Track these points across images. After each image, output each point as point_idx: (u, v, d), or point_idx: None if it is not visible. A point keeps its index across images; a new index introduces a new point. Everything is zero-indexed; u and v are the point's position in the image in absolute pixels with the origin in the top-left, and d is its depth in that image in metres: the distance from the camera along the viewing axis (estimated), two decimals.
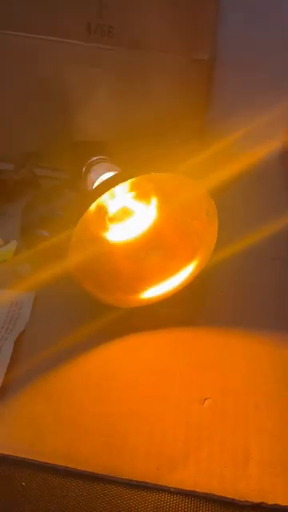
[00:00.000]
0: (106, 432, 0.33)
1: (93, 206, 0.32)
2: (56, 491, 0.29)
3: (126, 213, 0.40)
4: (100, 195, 0.30)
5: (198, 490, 0.29)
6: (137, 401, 0.35)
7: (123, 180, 0.31)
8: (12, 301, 0.43)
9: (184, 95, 0.58)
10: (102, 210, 0.37)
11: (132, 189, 0.37)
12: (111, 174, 0.43)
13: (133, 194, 0.38)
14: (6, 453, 0.31)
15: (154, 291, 0.38)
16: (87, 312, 0.42)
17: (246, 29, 0.59)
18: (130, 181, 0.33)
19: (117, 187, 0.31)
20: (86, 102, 0.60)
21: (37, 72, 0.58)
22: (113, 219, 0.40)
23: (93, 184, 0.43)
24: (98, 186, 0.32)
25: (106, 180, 0.31)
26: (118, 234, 0.39)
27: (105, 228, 0.39)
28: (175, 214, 0.37)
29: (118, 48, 0.56)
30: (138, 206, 0.39)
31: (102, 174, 0.43)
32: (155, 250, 0.38)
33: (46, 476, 0.30)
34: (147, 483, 0.30)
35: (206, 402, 0.35)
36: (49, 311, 0.43)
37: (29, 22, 0.55)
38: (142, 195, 0.39)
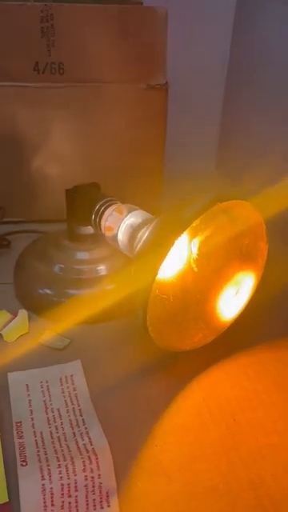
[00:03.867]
0: (245, 485, 0.30)
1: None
2: None
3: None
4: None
5: None
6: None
7: (204, 211, 0.29)
8: (59, 377, 0.37)
9: (145, 123, 0.57)
10: None
11: None
12: (139, 212, 0.40)
13: None
14: None
15: (230, 315, 0.36)
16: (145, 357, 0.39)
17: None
18: None
19: None
20: (41, 144, 0.56)
21: None
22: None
23: (116, 226, 0.40)
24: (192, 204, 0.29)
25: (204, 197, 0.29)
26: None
27: None
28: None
29: (70, 84, 0.53)
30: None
31: (127, 215, 0.40)
32: (214, 284, 0.36)
33: None
34: None
35: None
36: (104, 371, 0.38)
37: None
38: None
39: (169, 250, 0.29)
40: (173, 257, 0.31)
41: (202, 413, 0.35)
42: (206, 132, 0.72)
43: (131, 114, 0.56)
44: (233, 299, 0.36)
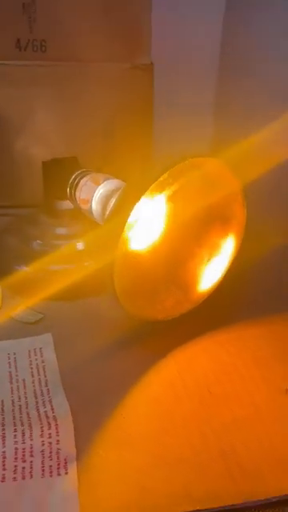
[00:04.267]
0: (215, 454, 0.28)
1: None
2: None
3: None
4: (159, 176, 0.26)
5: None
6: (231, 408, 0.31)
7: (172, 166, 0.27)
8: (28, 349, 0.36)
9: (130, 103, 0.56)
10: None
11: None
12: (111, 181, 0.39)
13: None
14: None
15: (208, 283, 0.34)
16: (120, 332, 0.37)
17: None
18: None
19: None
20: (26, 125, 0.55)
21: None
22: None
23: (90, 197, 0.39)
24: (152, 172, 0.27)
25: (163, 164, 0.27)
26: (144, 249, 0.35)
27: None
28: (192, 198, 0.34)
29: (53, 63, 0.52)
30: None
31: (100, 184, 0.38)
32: (188, 245, 0.34)
33: None
34: None
35: None
36: (76, 347, 0.37)
37: None
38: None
39: (132, 208, 0.28)
40: (140, 217, 0.29)
41: (175, 385, 0.33)
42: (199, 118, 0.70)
43: (116, 93, 0.55)
44: (210, 267, 0.35)
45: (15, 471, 0.25)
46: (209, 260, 0.34)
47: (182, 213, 0.30)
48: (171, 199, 0.29)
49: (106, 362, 0.35)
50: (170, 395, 0.33)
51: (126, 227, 0.29)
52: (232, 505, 0.25)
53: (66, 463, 0.26)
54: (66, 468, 0.26)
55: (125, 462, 0.27)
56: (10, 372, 0.33)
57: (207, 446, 0.29)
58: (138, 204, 0.28)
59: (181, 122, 0.57)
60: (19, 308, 0.41)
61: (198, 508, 0.25)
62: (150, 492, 0.26)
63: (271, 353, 0.37)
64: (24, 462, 0.26)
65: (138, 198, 0.28)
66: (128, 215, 0.28)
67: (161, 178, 0.28)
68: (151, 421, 0.31)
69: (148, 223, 0.32)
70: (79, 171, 0.42)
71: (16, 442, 0.26)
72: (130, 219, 0.29)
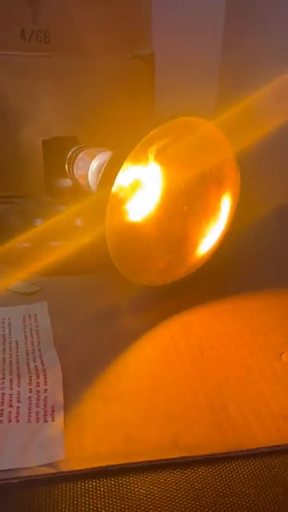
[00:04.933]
0: (205, 410, 0.28)
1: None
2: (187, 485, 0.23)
3: (136, 184, 0.36)
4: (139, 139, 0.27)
5: None
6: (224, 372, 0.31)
7: (163, 122, 0.28)
8: (23, 315, 0.36)
9: (132, 93, 0.57)
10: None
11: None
12: (105, 153, 0.39)
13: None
14: (106, 464, 0.24)
15: (203, 248, 0.34)
16: (114, 302, 0.38)
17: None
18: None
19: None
20: (30, 115, 0.57)
21: None
22: (125, 198, 0.36)
23: (87, 171, 0.40)
24: (133, 134, 0.28)
25: (144, 125, 0.28)
26: (137, 210, 0.35)
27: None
28: (187, 162, 0.34)
29: (57, 53, 0.54)
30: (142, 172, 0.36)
31: (95, 157, 0.39)
32: (182, 208, 0.34)
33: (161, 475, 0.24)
34: (278, 446, 0.26)
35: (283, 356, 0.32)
36: (72, 315, 0.37)
37: None
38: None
39: (117, 172, 0.28)
40: (130, 174, 0.30)
41: (168, 349, 0.33)
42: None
43: (118, 83, 0.56)
44: (206, 230, 0.35)
45: (1, 414, 0.25)
46: (205, 223, 0.35)
47: (174, 173, 0.31)
48: (162, 156, 0.29)
49: (100, 327, 0.35)
50: (162, 358, 0.32)
51: (112, 192, 0.29)
52: (220, 453, 0.25)
53: (53, 411, 0.26)
54: (52, 416, 0.26)
55: (112, 413, 0.27)
56: (3, 335, 0.34)
57: (197, 403, 0.28)
58: (125, 166, 0.29)
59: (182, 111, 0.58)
60: (18, 281, 0.41)
61: (184, 455, 0.25)
62: (136, 440, 0.25)
63: (266, 322, 0.36)
64: (11, 406, 0.26)
65: (125, 158, 0.28)
66: (114, 178, 0.29)
67: (151, 133, 0.28)
68: (142, 380, 0.30)
69: (141, 186, 0.32)
70: (76, 147, 0.42)
71: (3, 388, 0.26)
72: (122, 183, 0.30)
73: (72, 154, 0.42)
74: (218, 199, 0.34)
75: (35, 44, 0.53)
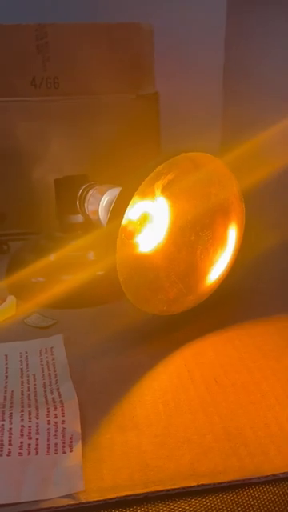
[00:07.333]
0: (221, 436, 0.28)
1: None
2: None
3: (145, 218, 0.38)
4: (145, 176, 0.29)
5: None
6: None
7: (167, 158, 0.29)
8: (39, 349, 0.37)
9: (138, 131, 0.60)
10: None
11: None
12: (115, 189, 0.41)
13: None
14: (125, 494, 0.24)
15: (211, 276, 0.35)
16: (126, 333, 0.38)
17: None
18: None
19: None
20: (42, 156, 0.59)
21: None
22: (134, 231, 0.37)
23: (97, 206, 0.41)
24: (139, 171, 0.30)
25: (151, 162, 0.29)
26: (146, 243, 0.37)
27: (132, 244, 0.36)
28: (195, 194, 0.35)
29: (65, 97, 0.57)
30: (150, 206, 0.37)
31: (105, 194, 0.41)
32: (189, 238, 0.35)
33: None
34: None
35: None
36: (86, 347, 0.38)
37: None
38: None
39: (129, 200, 0.30)
40: (139, 208, 0.31)
41: (182, 377, 0.34)
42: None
43: (124, 122, 0.59)
44: (213, 259, 0.36)
45: (21, 447, 0.26)
46: (213, 252, 0.36)
47: (180, 205, 0.32)
48: (168, 190, 0.31)
49: (115, 357, 0.36)
50: (176, 386, 0.33)
51: (122, 226, 0.30)
52: (238, 480, 0.25)
53: (71, 442, 0.27)
54: (71, 447, 0.26)
55: (129, 442, 0.28)
56: (21, 369, 0.34)
57: (213, 428, 0.29)
58: (133, 201, 0.30)
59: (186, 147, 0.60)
60: (33, 315, 0.42)
61: (202, 483, 0.25)
62: (154, 468, 0.26)
63: (278, 346, 0.37)
64: (30, 439, 0.26)
65: (133, 193, 0.30)
66: (123, 212, 0.30)
67: (156, 170, 0.30)
68: (157, 407, 0.31)
69: (149, 219, 0.34)
70: (86, 185, 0.44)
71: (22, 421, 0.27)
72: (131, 216, 0.31)
73: (83, 191, 0.44)
74: (225, 228, 0.35)
75: (45, 90, 0.57)
